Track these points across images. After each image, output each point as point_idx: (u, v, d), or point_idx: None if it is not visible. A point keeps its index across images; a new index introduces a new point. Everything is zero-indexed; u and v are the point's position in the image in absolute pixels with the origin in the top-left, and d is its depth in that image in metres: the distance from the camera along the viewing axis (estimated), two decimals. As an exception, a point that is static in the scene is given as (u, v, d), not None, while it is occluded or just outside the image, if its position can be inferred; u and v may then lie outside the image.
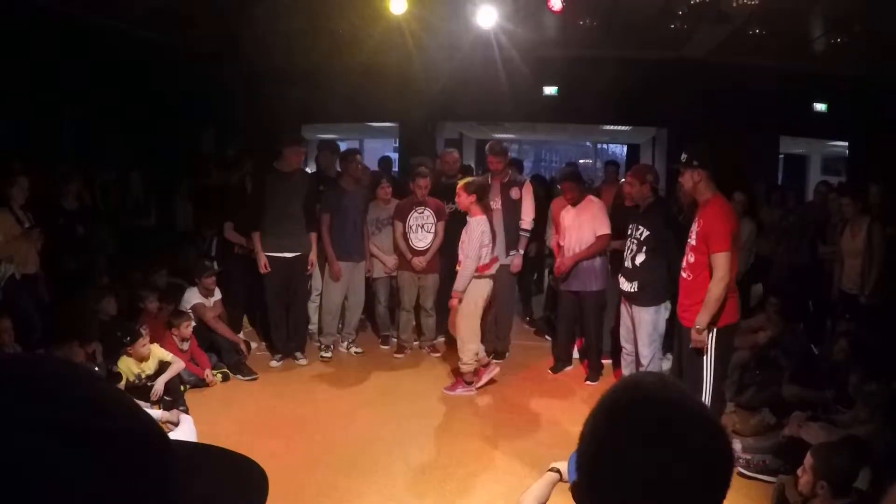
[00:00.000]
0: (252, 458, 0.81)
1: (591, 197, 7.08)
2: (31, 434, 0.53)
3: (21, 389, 0.57)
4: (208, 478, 0.73)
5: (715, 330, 5.03)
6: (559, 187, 7.31)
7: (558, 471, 2.35)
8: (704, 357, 5.05)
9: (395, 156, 14.39)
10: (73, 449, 0.54)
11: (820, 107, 11.87)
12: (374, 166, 10.38)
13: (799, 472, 3.71)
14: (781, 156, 14.79)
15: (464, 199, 6.32)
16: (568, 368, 7.31)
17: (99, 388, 0.63)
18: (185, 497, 0.64)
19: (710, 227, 4.95)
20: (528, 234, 7.32)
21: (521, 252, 7.32)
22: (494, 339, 7.45)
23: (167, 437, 0.65)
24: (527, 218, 7.28)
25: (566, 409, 6.26)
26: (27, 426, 0.54)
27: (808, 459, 3.63)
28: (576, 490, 1.15)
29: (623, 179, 7.40)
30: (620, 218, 6.68)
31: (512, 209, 7.23)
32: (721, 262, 4.89)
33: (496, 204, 7.11)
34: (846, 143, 13.48)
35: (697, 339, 5.03)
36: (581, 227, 6.85)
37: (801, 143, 15.29)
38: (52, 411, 0.56)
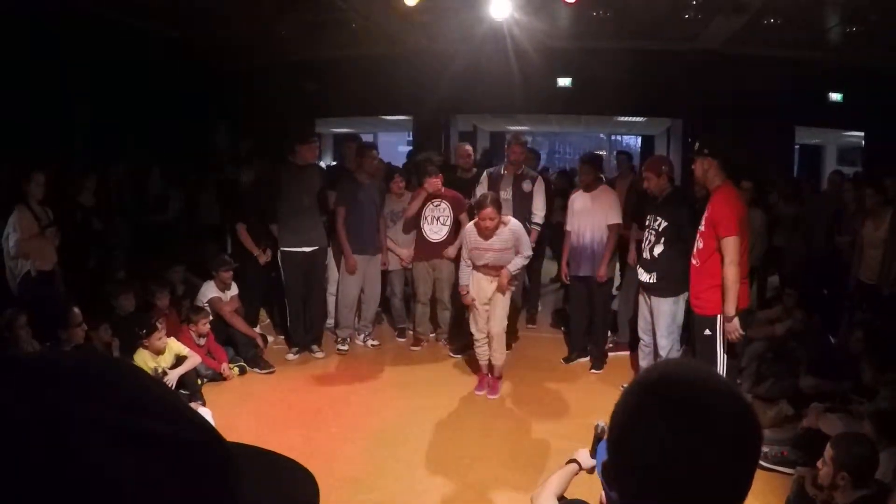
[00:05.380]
0: (304, 466, 0.80)
1: (607, 187, 7.09)
2: (89, 435, 0.52)
3: (78, 387, 0.55)
4: (261, 483, 0.71)
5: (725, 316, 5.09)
6: (578, 170, 7.35)
7: (577, 462, 2.36)
8: (716, 343, 5.10)
9: (407, 149, 14.40)
10: (132, 451, 0.54)
11: (835, 97, 11.78)
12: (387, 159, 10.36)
13: (819, 463, 3.69)
14: (797, 146, 14.72)
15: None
16: (582, 359, 7.28)
17: (155, 388, 0.62)
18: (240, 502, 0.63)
19: (718, 213, 5.06)
20: (539, 227, 7.33)
21: (533, 244, 7.33)
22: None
23: (224, 441, 0.64)
24: (538, 213, 7.30)
25: (581, 399, 6.26)
26: (84, 426, 0.52)
27: (829, 450, 3.61)
28: (605, 469, 1.16)
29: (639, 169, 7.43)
30: (638, 209, 6.68)
31: (521, 201, 7.24)
32: (730, 246, 5.00)
33: (507, 194, 7.11)
34: (862, 133, 13.39)
35: (731, 328, 5.10)
36: (593, 214, 6.87)
37: (816, 133, 15.23)
38: (120, 416, 0.54)
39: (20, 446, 0.50)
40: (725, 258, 5.02)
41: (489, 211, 5.92)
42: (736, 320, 5.08)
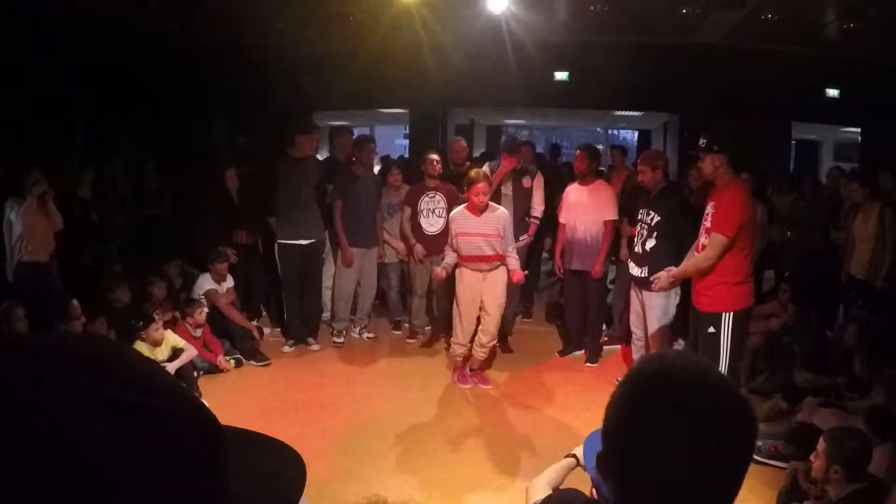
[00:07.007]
0: (290, 445, 0.81)
1: (603, 182, 7.09)
2: (81, 406, 0.53)
3: (71, 363, 0.57)
4: (250, 463, 0.73)
5: (731, 314, 5.03)
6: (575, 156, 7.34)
7: (576, 457, 2.35)
8: (721, 341, 5.06)
9: (404, 142, 14.40)
10: (128, 428, 0.55)
11: (832, 92, 11.81)
12: (384, 152, 10.37)
13: (812, 457, 3.71)
14: (794, 142, 14.73)
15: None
16: (577, 353, 7.28)
17: (147, 367, 0.63)
18: (230, 482, 0.64)
19: (723, 210, 4.95)
20: (538, 220, 7.34)
21: (531, 237, 7.37)
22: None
23: (214, 418, 0.65)
24: (538, 207, 7.31)
25: (576, 393, 6.27)
26: (76, 397, 0.54)
27: (822, 444, 3.62)
28: (601, 462, 1.16)
29: (634, 164, 7.43)
30: (631, 203, 6.68)
31: (521, 196, 7.25)
32: (717, 242, 4.92)
33: (507, 189, 7.13)
34: (858, 129, 13.41)
35: (661, 283, 5.28)
36: (588, 209, 6.85)
37: (813, 129, 15.24)
38: (112, 391, 0.56)
39: (14, 414, 0.52)
40: (707, 251, 4.96)
41: (482, 186, 5.92)
42: (668, 273, 5.23)
